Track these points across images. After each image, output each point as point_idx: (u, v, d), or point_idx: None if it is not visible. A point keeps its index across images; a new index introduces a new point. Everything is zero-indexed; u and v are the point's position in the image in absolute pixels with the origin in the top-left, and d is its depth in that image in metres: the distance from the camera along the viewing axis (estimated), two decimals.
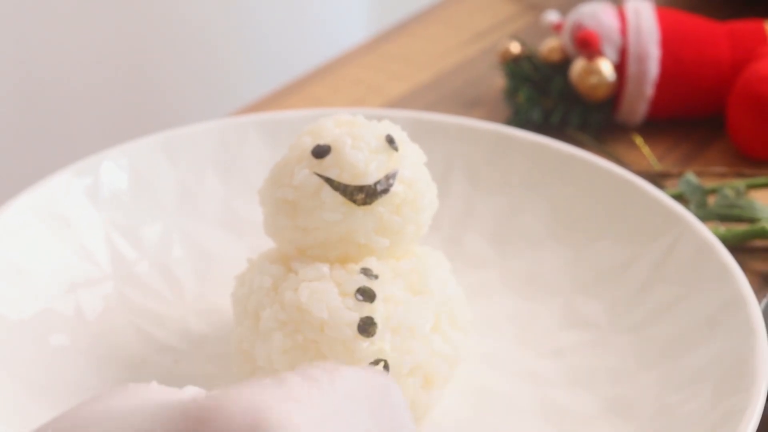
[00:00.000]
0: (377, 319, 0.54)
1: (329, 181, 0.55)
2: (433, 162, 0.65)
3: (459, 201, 0.70)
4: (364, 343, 0.54)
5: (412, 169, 0.57)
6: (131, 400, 0.36)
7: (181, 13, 1.11)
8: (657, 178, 0.77)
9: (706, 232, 0.62)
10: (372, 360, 0.54)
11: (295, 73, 0.95)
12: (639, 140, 0.82)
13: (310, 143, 0.56)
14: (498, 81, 0.89)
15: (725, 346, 0.57)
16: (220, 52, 1.17)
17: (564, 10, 0.92)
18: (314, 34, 1.25)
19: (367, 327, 0.54)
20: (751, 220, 0.72)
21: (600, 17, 0.81)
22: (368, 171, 0.55)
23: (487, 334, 0.63)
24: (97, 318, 0.62)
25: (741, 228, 0.72)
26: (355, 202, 0.55)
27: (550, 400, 0.59)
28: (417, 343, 0.55)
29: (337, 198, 0.55)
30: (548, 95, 0.83)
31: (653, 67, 0.81)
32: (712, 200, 0.74)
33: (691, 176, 0.74)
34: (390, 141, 0.56)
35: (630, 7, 0.83)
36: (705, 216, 0.72)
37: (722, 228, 0.72)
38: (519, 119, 0.83)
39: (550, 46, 0.83)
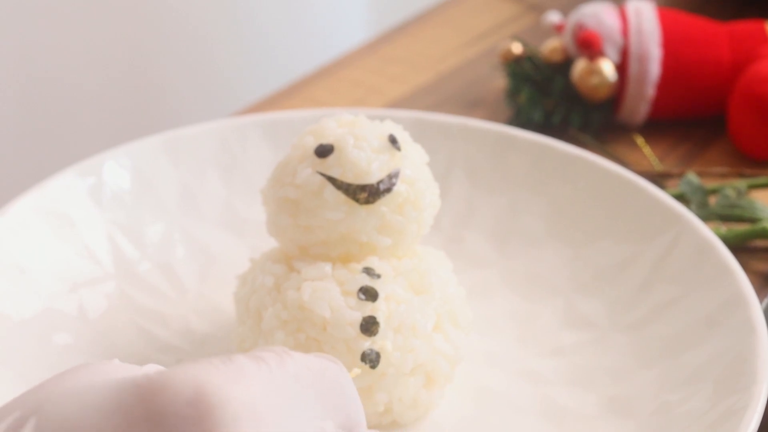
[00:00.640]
0: (379, 318, 0.55)
1: (332, 180, 0.56)
2: (435, 162, 0.65)
3: (460, 201, 0.70)
4: (366, 342, 0.54)
5: (414, 169, 0.57)
6: (93, 377, 0.37)
7: (182, 15, 1.11)
8: (658, 178, 0.77)
9: (706, 231, 0.62)
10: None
11: (296, 74, 0.96)
12: (640, 140, 0.82)
13: (312, 143, 0.57)
14: (499, 81, 0.89)
15: (725, 345, 0.57)
16: (221, 53, 1.17)
17: (565, 10, 0.93)
18: (315, 35, 1.25)
19: (369, 326, 0.54)
20: (752, 220, 0.73)
21: (601, 18, 0.82)
22: (371, 170, 0.56)
23: (487, 333, 0.63)
24: (99, 317, 0.62)
25: (742, 228, 0.72)
26: (357, 201, 0.56)
27: (550, 398, 0.59)
28: (419, 342, 0.55)
29: (340, 197, 0.55)
30: (549, 96, 0.83)
31: (654, 68, 0.81)
32: (713, 200, 0.75)
33: (692, 176, 0.74)
34: (392, 141, 0.57)
35: (631, 8, 0.83)
36: (706, 216, 0.72)
37: (723, 228, 0.72)
38: (520, 120, 0.83)
39: (551, 47, 0.83)
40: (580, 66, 0.82)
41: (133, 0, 1.07)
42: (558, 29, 0.84)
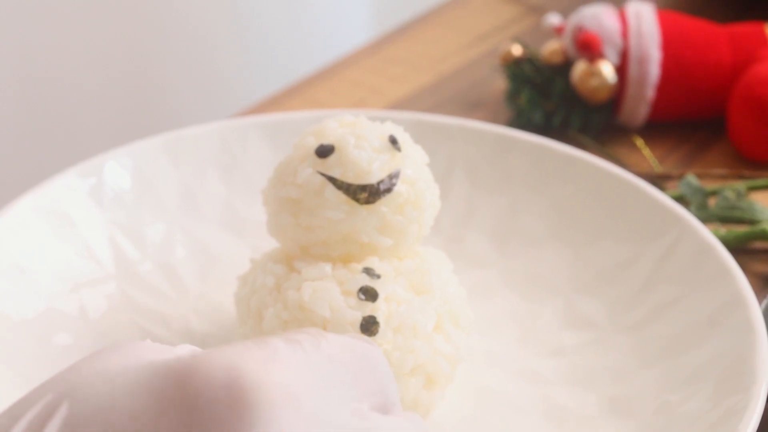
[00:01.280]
0: (379, 319, 0.55)
1: (332, 179, 0.56)
2: (435, 163, 0.65)
3: (460, 201, 0.70)
4: None
5: (415, 169, 0.57)
6: (125, 359, 0.37)
7: (183, 15, 1.12)
8: (658, 180, 0.77)
9: (706, 233, 0.62)
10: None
11: (297, 75, 0.96)
12: (640, 142, 0.82)
13: (313, 143, 0.57)
14: (499, 83, 0.89)
15: (725, 346, 0.57)
16: (222, 54, 1.17)
17: (565, 12, 0.93)
18: (315, 36, 1.25)
19: (369, 326, 0.54)
20: (752, 222, 0.73)
21: (601, 20, 0.82)
22: (371, 170, 0.56)
23: (488, 333, 0.63)
24: (100, 317, 0.62)
25: (741, 230, 0.72)
26: (358, 201, 0.56)
27: (550, 399, 0.59)
28: (419, 342, 0.55)
29: (341, 197, 0.56)
30: (549, 97, 0.83)
31: (654, 70, 0.81)
32: (712, 202, 0.75)
33: (691, 178, 0.74)
34: (393, 141, 0.57)
35: (631, 10, 0.83)
36: (705, 218, 0.73)
37: (723, 230, 0.72)
38: (520, 121, 0.83)
39: (551, 49, 0.84)
40: (580, 68, 0.82)
41: (134, 1, 1.07)
42: (558, 31, 0.85)
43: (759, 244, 0.72)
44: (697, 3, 0.99)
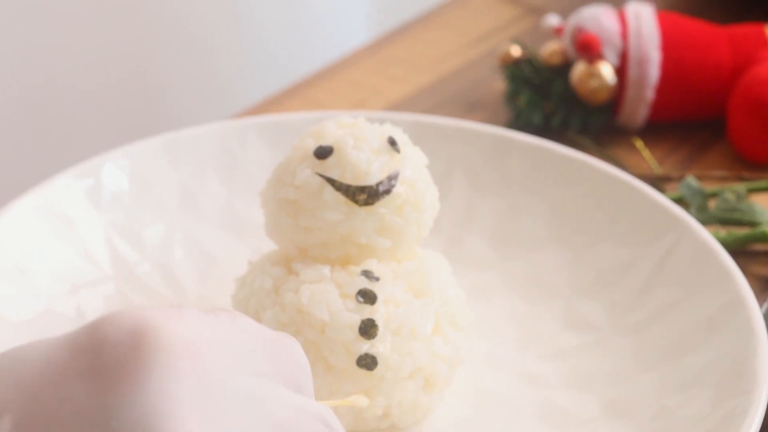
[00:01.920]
0: (378, 321, 0.54)
1: (331, 181, 0.56)
2: (434, 164, 0.65)
3: (460, 203, 0.70)
4: (365, 345, 0.54)
5: (414, 171, 0.57)
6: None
7: (182, 15, 1.11)
8: (657, 182, 0.77)
9: (705, 235, 0.62)
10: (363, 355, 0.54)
11: (296, 76, 0.96)
12: (639, 143, 0.82)
13: (312, 144, 0.57)
14: (499, 84, 0.89)
15: (726, 349, 0.57)
16: (221, 54, 1.17)
17: (565, 13, 0.93)
18: (315, 37, 1.25)
19: (368, 329, 0.54)
20: (752, 224, 0.72)
21: (601, 21, 0.82)
22: (370, 171, 0.56)
23: (487, 335, 0.63)
24: None
25: (741, 232, 0.72)
26: (356, 202, 0.56)
27: (550, 401, 0.59)
28: (418, 344, 0.55)
29: (339, 198, 0.56)
30: (549, 98, 0.83)
31: (654, 71, 0.81)
32: (712, 204, 0.75)
33: (691, 180, 0.74)
34: (392, 143, 0.57)
35: (631, 11, 0.83)
36: (705, 220, 0.72)
37: (723, 232, 0.72)
38: (519, 122, 0.83)
39: (550, 50, 0.83)
40: (579, 69, 0.81)
41: (133, 2, 1.07)
42: (557, 32, 0.84)
43: (759, 246, 0.72)
44: (697, 4, 0.99)
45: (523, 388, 0.60)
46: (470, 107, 0.87)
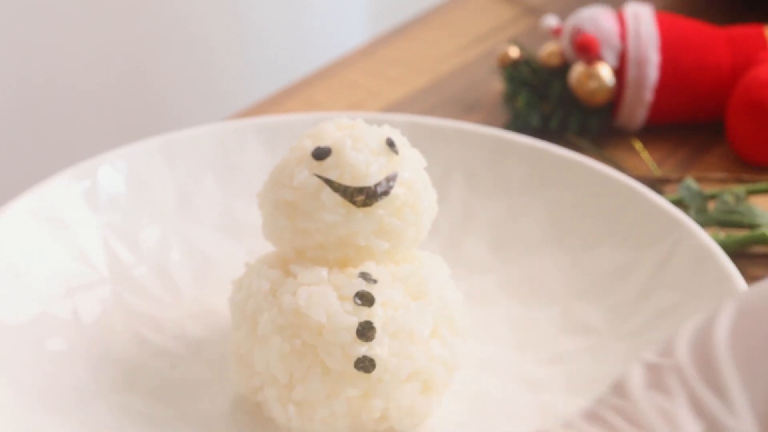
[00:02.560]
0: (376, 324, 0.54)
1: (329, 182, 0.55)
2: (432, 166, 0.65)
3: (458, 206, 0.70)
4: (363, 348, 0.54)
5: (412, 173, 0.57)
6: None
7: (179, 16, 1.11)
8: (656, 184, 0.77)
9: (705, 238, 0.62)
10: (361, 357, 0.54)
11: (294, 76, 0.95)
12: (638, 145, 0.81)
13: (310, 146, 0.56)
14: (497, 85, 0.89)
15: None
16: (218, 55, 1.17)
17: (563, 14, 0.92)
18: (312, 38, 1.24)
19: (365, 331, 0.54)
20: (751, 226, 0.72)
21: (599, 22, 0.81)
22: (368, 173, 0.55)
23: (485, 339, 0.63)
24: (94, 322, 0.62)
25: (741, 234, 0.71)
26: (355, 203, 0.55)
27: (548, 406, 0.59)
28: (416, 348, 0.55)
29: (337, 199, 0.55)
30: (547, 100, 0.83)
31: (653, 72, 0.81)
32: (711, 206, 0.74)
33: (690, 182, 0.74)
34: (390, 144, 0.56)
35: (629, 12, 0.83)
36: (705, 222, 0.72)
37: (722, 234, 0.72)
38: (518, 124, 0.83)
39: (549, 51, 0.83)
40: (577, 70, 0.81)
41: (131, 2, 1.07)
42: (556, 33, 0.84)
43: (758, 249, 0.72)
44: (696, 5, 0.99)
45: (522, 392, 0.60)
46: (468, 108, 0.87)
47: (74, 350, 0.60)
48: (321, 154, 0.56)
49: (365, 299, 0.55)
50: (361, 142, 0.56)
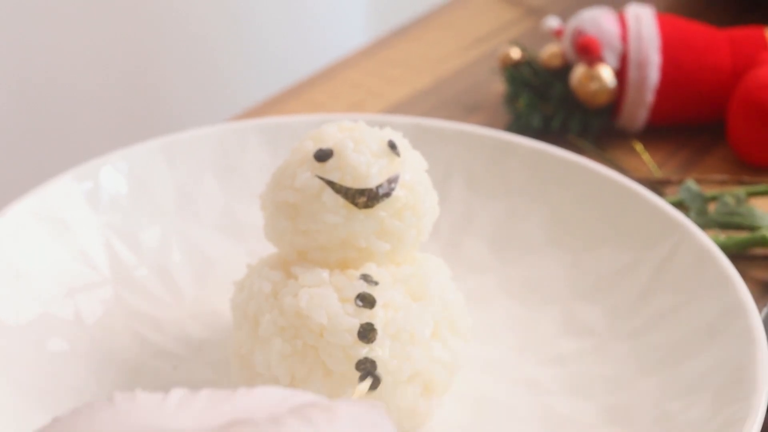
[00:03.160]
0: (377, 325, 0.54)
1: (331, 183, 0.55)
2: (433, 168, 0.65)
3: (459, 207, 0.70)
4: (364, 349, 0.54)
5: (414, 175, 0.57)
6: (118, 422, 0.36)
7: (180, 17, 1.11)
8: (657, 185, 0.77)
9: (705, 239, 0.62)
10: (362, 359, 0.54)
11: (295, 77, 0.95)
12: (639, 147, 0.81)
13: (312, 147, 0.57)
14: (498, 86, 0.89)
15: (725, 354, 0.57)
16: (219, 56, 1.17)
17: (564, 15, 0.92)
18: (314, 38, 1.25)
19: (367, 333, 0.54)
20: (752, 228, 0.72)
21: (600, 23, 0.81)
22: (370, 174, 0.55)
23: (486, 340, 0.63)
24: (95, 322, 0.62)
25: (741, 236, 0.71)
26: (356, 205, 0.55)
27: (549, 407, 0.59)
28: (416, 349, 0.55)
29: (339, 201, 0.55)
30: (548, 101, 0.83)
31: (654, 74, 0.81)
32: (712, 208, 0.74)
33: (691, 183, 0.74)
34: (392, 146, 0.56)
35: (631, 14, 0.83)
36: (705, 223, 0.72)
37: (722, 236, 0.72)
38: (519, 125, 0.83)
39: (550, 52, 0.83)
40: (579, 71, 0.81)
41: (132, 2, 1.07)
42: (557, 34, 0.84)
43: (759, 251, 0.72)
44: (697, 6, 0.99)
45: (522, 393, 0.60)
46: (469, 109, 0.87)
47: (75, 351, 0.60)
48: (323, 155, 0.56)
49: (366, 301, 0.55)
50: (363, 144, 0.56)
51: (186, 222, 0.68)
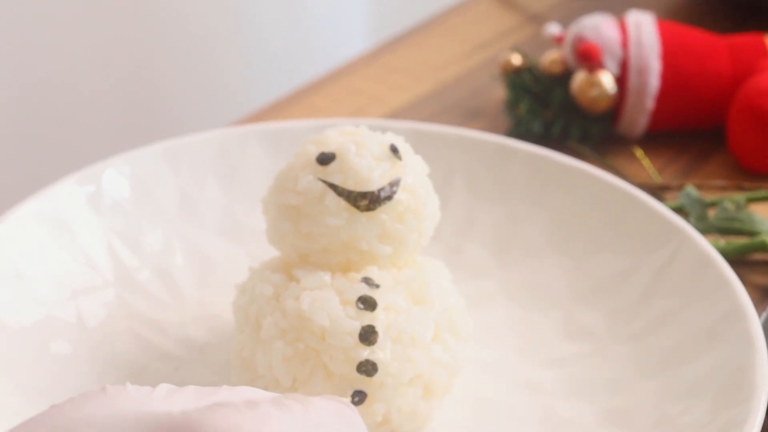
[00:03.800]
0: (378, 328, 0.55)
1: (333, 186, 0.56)
2: (434, 172, 0.65)
3: (460, 211, 0.70)
4: (365, 351, 0.54)
5: (415, 178, 0.57)
6: (109, 408, 0.37)
7: (183, 22, 1.12)
8: (657, 191, 0.77)
9: (705, 244, 0.62)
10: (363, 361, 0.54)
11: (296, 83, 0.96)
12: (639, 152, 0.82)
13: (314, 151, 0.57)
14: (499, 92, 0.89)
15: (724, 358, 0.57)
16: (221, 62, 1.17)
17: (565, 22, 0.93)
18: (315, 44, 1.25)
19: (368, 335, 0.54)
20: (751, 234, 0.73)
21: (601, 30, 0.82)
22: (372, 178, 0.56)
23: (487, 343, 0.63)
24: (98, 325, 0.62)
25: (741, 241, 0.72)
26: (358, 208, 0.56)
27: (549, 410, 0.59)
28: (417, 352, 0.55)
29: (341, 204, 0.56)
30: (549, 107, 0.83)
31: (654, 80, 0.81)
32: (712, 213, 0.75)
33: (691, 189, 0.74)
34: (394, 150, 0.57)
35: (631, 20, 0.83)
36: (705, 229, 0.72)
37: (722, 241, 0.72)
38: (519, 131, 0.83)
39: (551, 58, 0.84)
40: (579, 78, 0.82)
41: (134, 6, 1.07)
42: (558, 41, 0.84)
43: (758, 256, 0.72)
44: (698, 13, 0.99)
45: (523, 396, 0.60)
46: (470, 115, 0.87)
47: (78, 353, 0.61)
48: (325, 159, 0.56)
49: (368, 304, 0.55)
50: (365, 147, 0.56)
51: (188, 225, 0.68)
